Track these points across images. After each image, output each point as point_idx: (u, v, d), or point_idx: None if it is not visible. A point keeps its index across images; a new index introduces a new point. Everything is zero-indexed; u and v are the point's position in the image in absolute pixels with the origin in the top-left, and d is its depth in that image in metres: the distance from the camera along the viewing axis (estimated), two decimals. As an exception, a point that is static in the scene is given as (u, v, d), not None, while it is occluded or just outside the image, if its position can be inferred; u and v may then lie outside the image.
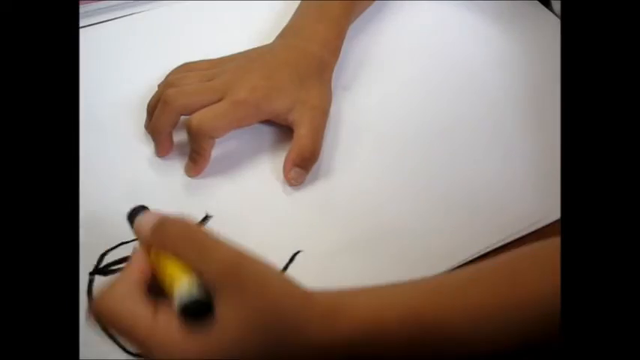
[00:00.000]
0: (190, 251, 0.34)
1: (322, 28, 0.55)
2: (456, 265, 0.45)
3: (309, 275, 0.44)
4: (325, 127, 0.52)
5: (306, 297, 0.34)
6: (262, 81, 0.50)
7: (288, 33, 0.56)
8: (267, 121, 0.52)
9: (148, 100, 0.52)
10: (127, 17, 0.63)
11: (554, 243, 0.32)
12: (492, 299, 0.34)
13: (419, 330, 0.33)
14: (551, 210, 0.48)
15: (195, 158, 0.49)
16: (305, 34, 0.55)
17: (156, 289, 0.34)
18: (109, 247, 0.45)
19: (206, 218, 0.47)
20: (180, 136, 0.51)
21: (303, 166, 0.49)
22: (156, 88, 0.53)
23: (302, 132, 0.50)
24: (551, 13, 0.64)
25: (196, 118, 0.48)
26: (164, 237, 0.35)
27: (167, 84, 0.52)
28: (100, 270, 0.44)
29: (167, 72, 0.54)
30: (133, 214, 0.38)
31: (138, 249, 0.36)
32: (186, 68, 0.54)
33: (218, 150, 0.50)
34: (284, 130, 0.52)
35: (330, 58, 0.55)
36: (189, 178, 0.50)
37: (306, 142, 0.50)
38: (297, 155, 0.49)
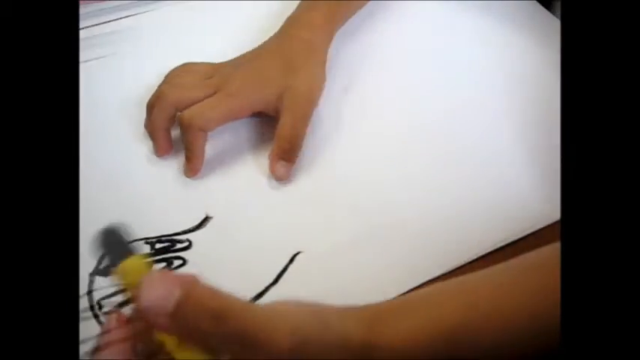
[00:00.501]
0: (229, 346, 0.29)
1: (314, 14, 0.56)
2: (456, 266, 0.45)
3: (308, 276, 0.45)
4: (311, 113, 0.51)
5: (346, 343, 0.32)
6: (252, 72, 0.51)
7: (282, 25, 0.57)
8: (265, 116, 0.52)
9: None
10: (129, 18, 0.63)
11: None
12: (519, 308, 0.33)
13: (448, 348, 0.32)
14: (551, 210, 0.47)
15: (189, 156, 0.49)
16: (296, 22, 0.56)
17: None
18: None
19: (206, 219, 0.47)
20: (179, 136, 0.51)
21: (286, 159, 0.49)
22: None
23: (283, 121, 0.49)
24: (551, 13, 0.64)
25: (187, 112, 0.48)
26: (191, 328, 0.28)
27: (164, 82, 0.52)
28: (100, 270, 0.44)
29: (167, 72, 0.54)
30: (110, 239, 0.30)
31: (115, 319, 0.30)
32: (185, 69, 0.54)
33: (218, 150, 0.50)
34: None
35: (320, 41, 0.55)
36: (189, 180, 0.50)
37: (284, 131, 0.49)
38: (278, 147, 0.49)
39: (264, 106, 0.51)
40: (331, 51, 0.56)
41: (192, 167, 0.49)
